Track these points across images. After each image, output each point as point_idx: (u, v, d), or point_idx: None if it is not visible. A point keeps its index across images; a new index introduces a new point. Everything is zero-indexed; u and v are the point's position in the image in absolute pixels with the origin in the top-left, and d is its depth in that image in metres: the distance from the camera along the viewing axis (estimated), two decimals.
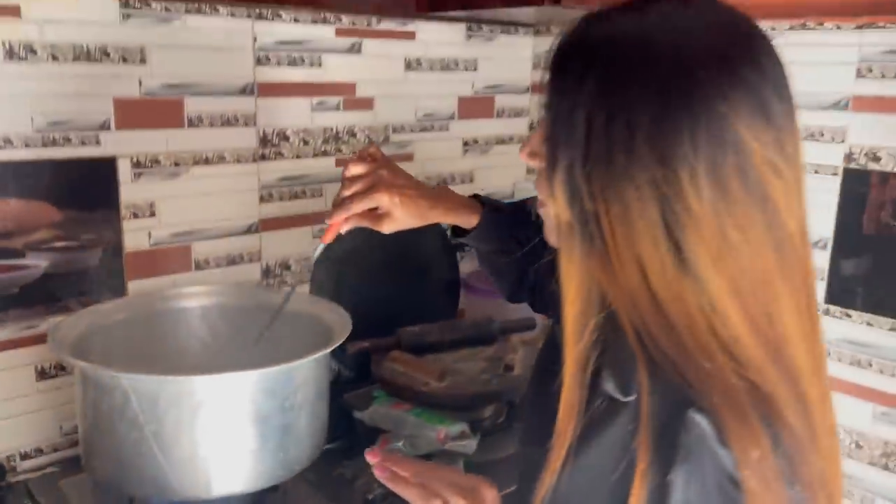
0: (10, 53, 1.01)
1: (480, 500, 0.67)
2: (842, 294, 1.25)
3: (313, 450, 0.96)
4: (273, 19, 1.25)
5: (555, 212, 0.59)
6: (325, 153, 1.37)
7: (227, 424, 0.86)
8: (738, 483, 0.50)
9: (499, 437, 1.17)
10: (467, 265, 1.63)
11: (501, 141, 1.67)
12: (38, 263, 1.07)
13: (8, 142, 1.03)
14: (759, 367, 0.53)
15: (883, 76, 1.18)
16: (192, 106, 1.19)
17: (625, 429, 0.56)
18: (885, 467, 1.26)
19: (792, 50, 1.27)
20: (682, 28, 0.55)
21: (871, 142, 1.20)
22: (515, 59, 1.66)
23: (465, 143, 1.61)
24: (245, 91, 1.24)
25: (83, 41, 1.07)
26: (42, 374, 1.11)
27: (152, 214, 1.18)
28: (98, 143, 1.11)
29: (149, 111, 1.15)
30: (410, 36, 1.45)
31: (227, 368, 0.85)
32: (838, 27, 1.21)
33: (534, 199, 0.70)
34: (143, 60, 1.12)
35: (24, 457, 1.11)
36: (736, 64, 0.54)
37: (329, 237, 0.87)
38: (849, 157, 1.22)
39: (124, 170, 1.14)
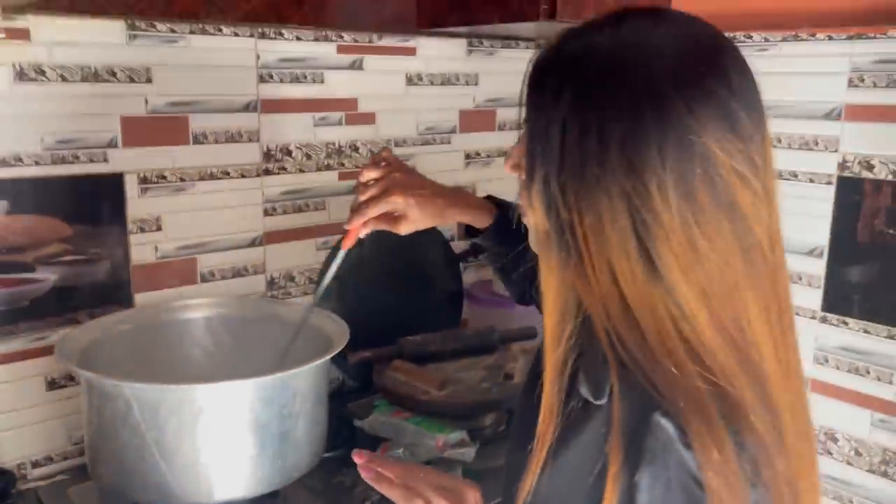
0: (21, 75, 1.05)
1: (462, 500, 0.69)
2: (839, 302, 1.26)
3: (312, 457, 0.99)
4: (275, 38, 1.29)
5: (534, 221, 0.61)
6: (328, 167, 1.40)
7: (226, 432, 0.88)
8: (702, 484, 0.52)
9: (499, 444, 1.19)
10: (471, 276, 1.65)
11: (503, 153, 1.69)
12: (47, 277, 1.11)
13: (19, 160, 1.07)
14: (726, 371, 0.55)
15: (874, 85, 1.19)
16: (197, 123, 1.22)
17: (598, 432, 0.58)
18: (885, 474, 1.26)
19: (785, 61, 1.30)
20: (652, 44, 0.57)
21: (863, 150, 1.21)
22: (516, 73, 1.66)
23: (468, 156, 1.64)
24: (248, 108, 1.28)
25: (91, 62, 1.11)
26: (52, 385, 1.14)
27: (158, 228, 1.21)
28: (106, 160, 1.14)
29: (155, 129, 1.18)
30: (411, 52, 1.48)
31: (227, 377, 0.88)
32: (830, 38, 1.23)
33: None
34: (148, 80, 1.16)
35: (36, 465, 1.14)
36: (703, 78, 0.56)
37: (349, 243, 0.90)
38: (842, 165, 1.24)
39: (131, 185, 1.17)
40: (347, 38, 1.38)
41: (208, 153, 1.24)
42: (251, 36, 1.26)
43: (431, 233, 1.49)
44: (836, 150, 1.24)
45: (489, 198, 0.96)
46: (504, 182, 1.70)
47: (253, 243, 1.33)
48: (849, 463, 1.29)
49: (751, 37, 1.32)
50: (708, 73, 0.56)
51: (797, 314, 1.31)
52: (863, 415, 1.27)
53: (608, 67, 0.57)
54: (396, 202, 0.86)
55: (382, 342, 1.33)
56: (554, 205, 0.58)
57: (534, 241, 0.66)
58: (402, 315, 1.45)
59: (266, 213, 1.34)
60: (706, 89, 0.55)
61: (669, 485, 0.53)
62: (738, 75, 0.58)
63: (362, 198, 0.87)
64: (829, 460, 1.32)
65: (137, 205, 1.18)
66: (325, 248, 1.41)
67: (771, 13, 1.29)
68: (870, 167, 1.21)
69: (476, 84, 1.61)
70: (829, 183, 1.25)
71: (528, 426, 0.63)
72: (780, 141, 1.30)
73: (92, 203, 1.14)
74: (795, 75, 1.28)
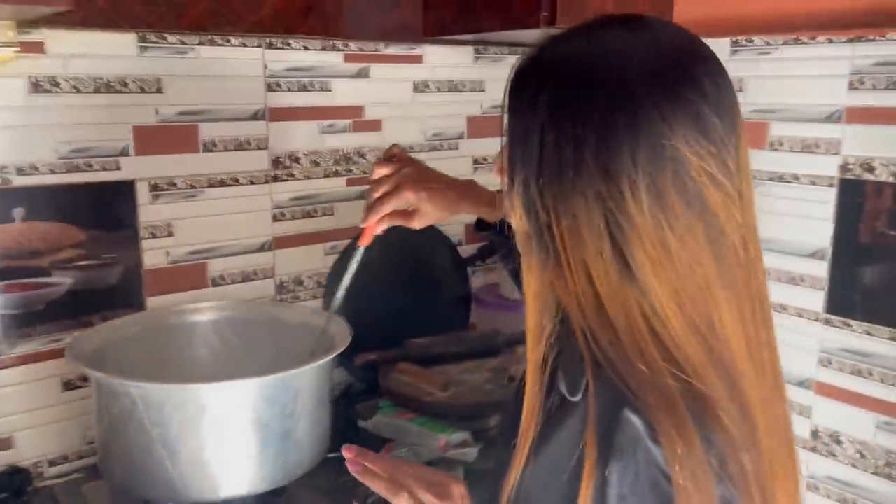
0: (36, 86, 1.09)
1: (447, 494, 0.70)
2: (841, 304, 1.26)
3: (314, 455, 1.01)
4: (283, 48, 1.32)
5: (515, 223, 0.63)
6: (335, 173, 1.43)
7: (229, 430, 0.91)
8: (670, 478, 0.53)
9: None
10: (479, 280, 1.67)
11: None
12: (63, 281, 1.15)
13: (35, 168, 1.11)
14: (697, 369, 0.56)
15: (874, 88, 1.19)
16: (207, 131, 1.26)
17: (575, 428, 0.59)
18: (889, 477, 1.25)
19: (786, 64, 1.31)
20: (627, 50, 0.59)
21: (865, 152, 1.22)
22: None
23: (476, 161, 1.66)
24: (257, 116, 1.31)
25: (103, 74, 1.15)
26: (67, 386, 1.18)
27: (170, 234, 1.25)
28: (118, 168, 1.18)
29: (165, 137, 1.22)
30: (418, 60, 1.51)
31: (230, 377, 0.90)
32: (830, 41, 1.23)
33: None
34: (159, 90, 1.20)
35: (52, 464, 1.18)
36: (675, 83, 0.57)
37: (366, 240, 0.92)
38: (844, 168, 1.24)
39: (143, 192, 1.21)
40: (354, 46, 1.41)
41: (218, 161, 1.28)
42: (259, 46, 1.29)
43: (439, 236, 1.52)
44: (837, 153, 1.24)
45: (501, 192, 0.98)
46: None
47: (262, 248, 1.36)
48: (853, 465, 1.29)
49: (752, 40, 1.33)
50: (680, 79, 0.58)
51: (800, 316, 1.32)
52: (867, 417, 1.26)
53: (583, 74, 0.58)
54: (408, 197, 0.88)
55: (392, 345, 1.35)
56: (533, 207, 0.60)
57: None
58: (410, 318, 1.47)
59: (275, 218, 1.37)
60: (678, 95, 0.57)
61: (638, 478, 0.54)
62: (712, 80, 0.59)
63: (375, 195, 0.89)
64: (833, 463, 1.32)
65: (149, 211, 1.22)
66: (333, 252, 1.44)
67: (771, 16, 1.30)
68: (871, 169, 1.21)
69: (483, 91, 1.63)
70: (830, 185, 1.25)
71: (515, 424, 0.65)
72: (781, 144, 1.31)
73: (105, 209, 1.18)
74: (796, 78, 1.29)
